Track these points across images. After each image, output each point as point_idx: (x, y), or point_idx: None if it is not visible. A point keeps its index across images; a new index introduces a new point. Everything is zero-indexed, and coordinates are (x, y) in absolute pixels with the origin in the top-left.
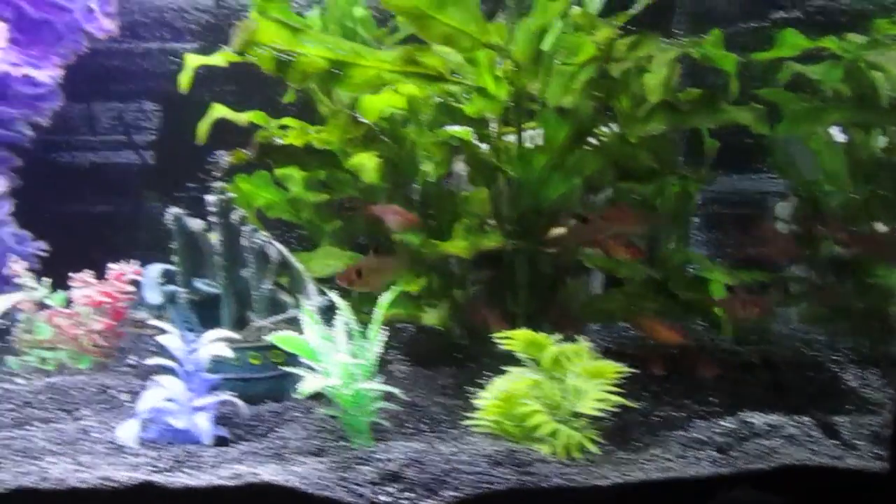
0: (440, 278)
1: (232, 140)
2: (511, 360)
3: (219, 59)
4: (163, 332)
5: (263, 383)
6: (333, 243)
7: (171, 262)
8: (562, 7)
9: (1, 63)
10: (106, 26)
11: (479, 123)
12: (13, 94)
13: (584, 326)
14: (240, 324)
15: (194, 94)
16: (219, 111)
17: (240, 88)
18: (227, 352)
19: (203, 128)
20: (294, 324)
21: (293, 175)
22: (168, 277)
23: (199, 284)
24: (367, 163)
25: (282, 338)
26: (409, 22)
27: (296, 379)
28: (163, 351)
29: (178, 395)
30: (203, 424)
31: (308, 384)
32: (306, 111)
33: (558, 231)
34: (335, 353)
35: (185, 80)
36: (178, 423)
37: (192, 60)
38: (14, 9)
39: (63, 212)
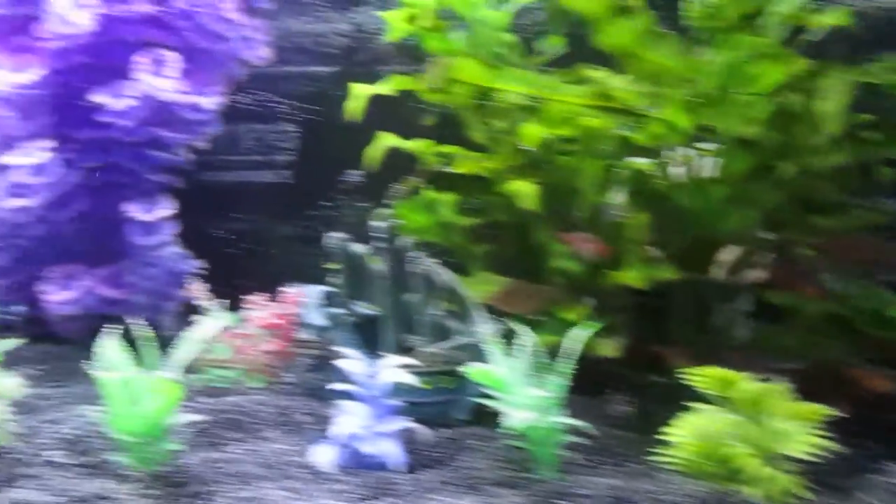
0: (599, 307)
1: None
2: (678, 391)
3: (385, 88)
4: (343, 356)
5: (432, 408)
6: (483, 267)
7: (327, 284)
8: (752, 39)
9: (171, 92)
10: (261, 54)
11: (650, 153)
12: (178, 120)
13: (752, 361)
14: (402, 348)
15: (332, 116)
16: (387, 140)
17: (373, 110)
18: (409, 378)
19: (374, 155)
20: (466, 350)
21: (442, 199)
22: (329, 300)
23: (359, 307)
24: (524, 189)
25: (474, 370)
26: (617, 58)
27: (462, 404)
28: (337, 374)
29: (365, 420)
30: (393, 451)
31: (514, 419)
32: (435, 132)
33: (730, 259)
34: (525, 386)
35: (354, 109)
36: (367, 448)
37: (360, 90)
38: (181, 39)
39: (208, 230)
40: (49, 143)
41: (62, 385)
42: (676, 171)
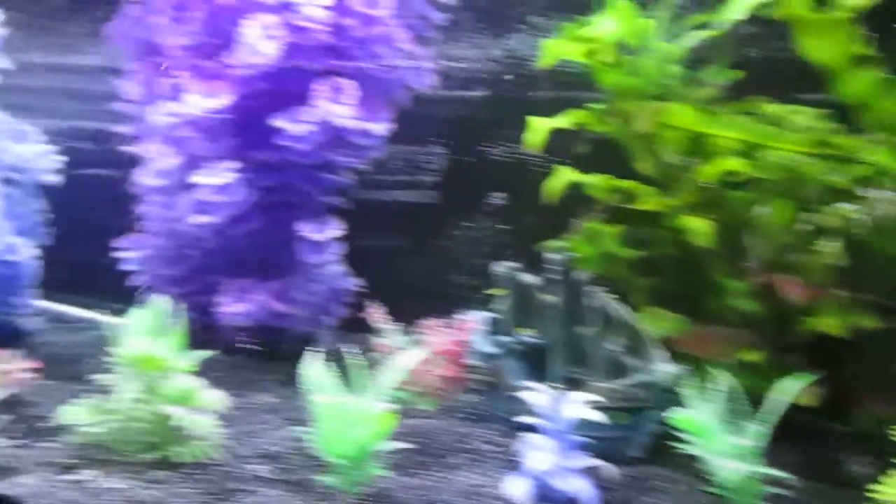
0: (781, 349)
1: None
2: (872, 441)
3: (563, 121)
4: (514, 385)
5: (607, 444)
6: (646, 301)
7: (491, 310)
8: None
9: (346, 118)
10: (428, 81)
11: (848, 196)
12: (349, 145)
13: None
14: (571, 381)
15: (481, 140)
16: (567, 175)
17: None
18: (595, 414)
19: (553, 189)
20: (644, 388)
21: (604, 230)
22: (496, 327)
23: (527, 336)
24: (699, 225)
25: (676, 416)
26: (852, 106)
27: (636, 441)
28: (512, 403)
29: (555, 454)
30: (585, 488)
31: (719, 467)
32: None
33: None
34: (724, 433)
35: (534, 142)
36: (558, 483)
37: (539, 123)
38: (356, 67)
39: (361, 248)
40: (233, 164)
41: (243, 395)
42: (879, 216)
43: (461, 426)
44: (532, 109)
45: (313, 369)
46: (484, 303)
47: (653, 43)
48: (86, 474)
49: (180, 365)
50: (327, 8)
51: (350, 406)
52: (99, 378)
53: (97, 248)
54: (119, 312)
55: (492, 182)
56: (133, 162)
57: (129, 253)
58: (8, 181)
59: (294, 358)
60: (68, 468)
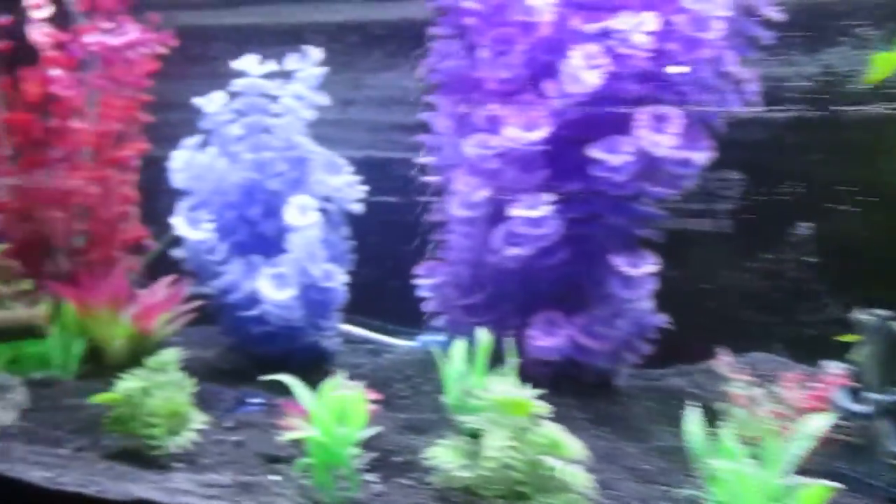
0: None
1: None
2: None
3: None
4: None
5: None
6: None
7: (849, 362)
8: None
9: (666, 148)
10: (751, 105)
11: None
12: (667, 175)
13: None
14: None
15: (784, 163)
16: None
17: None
18: None
19: None
20: None
21: None
22: (859, 382)
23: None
24: None
25: None
26: None
27: None
28: None
29: None
30: None
31: None
32: None
33: None
34: None
35: None
36: None
37: None
38: (677, 94)
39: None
40: (549, 197)
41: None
42: None
43: (836, 496)
44: (846, 130)
45: (699, 427)
46: (789, 344)
47: None
48: None
49: (542, 409)
50: (651, 33)
51: (768, 478)
52: (468, 421)
53: (384, 273)
54: (406, 336)
55: (797, 210)
56: (428, 191)
57: (425, 280)
58: (322, 211)
59: (596, 395)
60: None
